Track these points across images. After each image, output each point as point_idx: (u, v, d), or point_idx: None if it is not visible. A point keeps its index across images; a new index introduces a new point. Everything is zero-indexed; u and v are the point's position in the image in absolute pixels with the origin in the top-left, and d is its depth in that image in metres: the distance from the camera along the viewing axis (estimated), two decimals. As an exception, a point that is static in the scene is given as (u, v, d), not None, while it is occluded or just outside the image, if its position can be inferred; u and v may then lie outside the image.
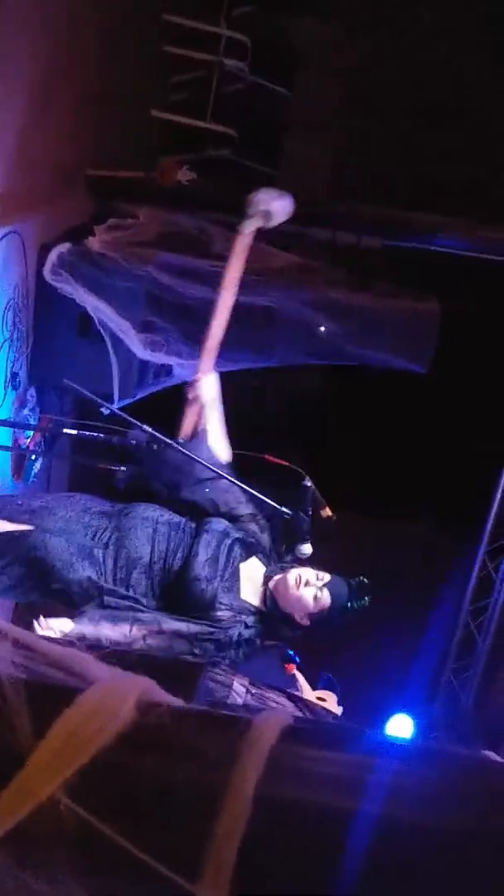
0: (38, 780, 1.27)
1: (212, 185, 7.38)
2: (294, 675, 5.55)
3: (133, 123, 7.70)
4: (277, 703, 4.25)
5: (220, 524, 4.23)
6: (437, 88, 7.63)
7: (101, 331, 6.14)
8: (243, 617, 3.93)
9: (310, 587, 4.08)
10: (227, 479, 4.31)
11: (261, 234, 7.01)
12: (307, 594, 4.07)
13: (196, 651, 3.79)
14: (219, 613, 3.87)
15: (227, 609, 3.90)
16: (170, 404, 6.34)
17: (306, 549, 4.20)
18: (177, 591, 3.94)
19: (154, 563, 4.00)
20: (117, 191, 7.16)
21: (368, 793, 1.31)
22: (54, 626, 3.67)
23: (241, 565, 4.15)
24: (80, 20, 6.19)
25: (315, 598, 4.07)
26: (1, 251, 5.74)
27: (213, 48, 7.64)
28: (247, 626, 3.92)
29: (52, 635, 3.61)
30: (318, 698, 5.42)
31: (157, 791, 1.29)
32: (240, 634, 3.86)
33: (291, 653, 4.87)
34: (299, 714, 4.18)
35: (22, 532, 4.03)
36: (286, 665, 5.57)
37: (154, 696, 1.38)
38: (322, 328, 6.37)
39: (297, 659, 4.93)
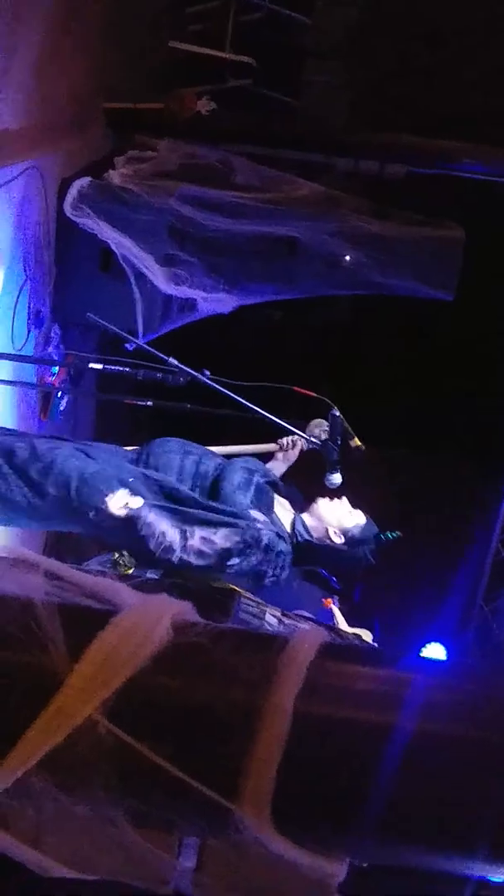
0: (75, 703, 1.26)
1: (232, 116, 7.27)
2: (331, 609, 5.56)
3: (151, 56, 7.58)
4: (310, 632, 4.26)
5: (247, 461, 4.23)
6: (458, 12, 7.45)
7: (124, 266, 6.07)
8: (275, 528, 3.92)
9: (343, 503, 4.13)
10: (255, 410, 4.28)
11: (283, 164, 6.95)
12: (341, 506, 4.11)
13: (232, 562, 3.75)
14: (253, 513, 3.85)
15: (260, 513, 3.90)
16: (194, 338, 6.32)
17: (336, 478, 4.19)
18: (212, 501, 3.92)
19: (186, 483, 4.00)
20: (136, 123, 7.05)
21: (404, 708, 1.30)
22: (127, 500, 3.66)
23: (272, 495, 4.16)
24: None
25: (349, 511, 4.11)
26: (20, 187, 5.67)
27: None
28: (279, 536, 3.90)
29: (121, 513, 3.62)
30: (354, 634, 5.44)
31: (195, 711, 1.29)
32: (270, 540, 3.83)
33: (334, 580, 4.86)
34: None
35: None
36: (324, 600, 5.56)
37: (189, 618, 1.37)
38: (347, 258, 6.29)
39: (339, 586, 4.92)
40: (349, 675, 1.35)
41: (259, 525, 3.89)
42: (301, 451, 4.51)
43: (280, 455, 4.53)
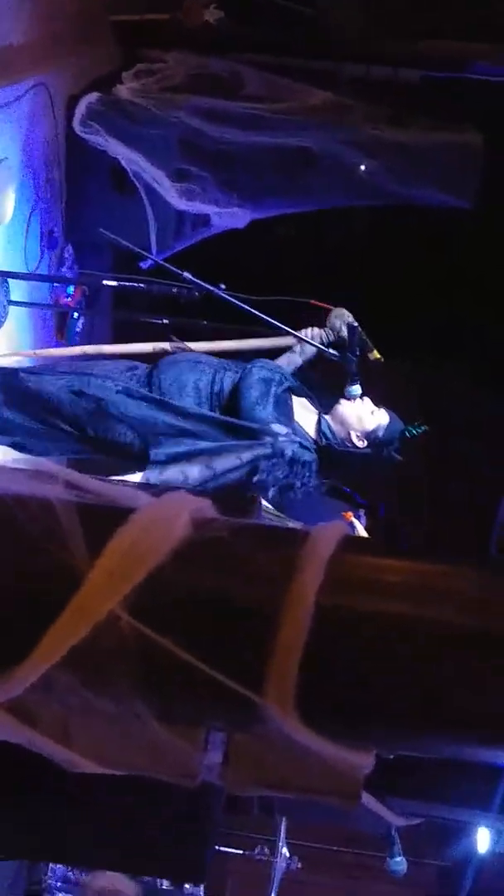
0: (96, 598, 1.26)
1: (242, 25, 7.11)
2: (352, 522, 5.55)
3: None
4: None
5: (262, 370, 4.16)
6: None
7: (136, 182, 6.00)
8: (298, 438, 3.92)
9: (365, 403, 4.10)
10: (270, 322, 4.25)
11: (295, 74, 6.80)
12: (363, 408, 4.09)
13: (256, 476, 3.77)
14: (275, 427, 3.84)
15: (282, 426, 3.88)
16: (208, 255, 6.25)
17: (355, 389, 4.16)
18: (231, 415, 3.91)
19: (203, 405, 3.98)
20: (144, 36, 6.92)
21: (427, 598, 1.29)
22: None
23: (294, 399, 4.14)
24: None
25: (371, 412, 4.09)
26: (28, 105, 5.58)
27: None
28: (302, 447, 3.90)
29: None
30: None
31: (217, 604, 1.28)
32: (294, 452, 3.83)
33: (358, 495, 4.84)
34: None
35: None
36: (344, 514, 5.55)
37: (208, 513, 1.36)
38: (362, 167, 6.18)
39: (363, 500, 4.91)
40: (371, 567, 1.34)
41: (282, 438, 3.88)
42: (322, 343, 4.37)
43: (297, 348, 4.44)
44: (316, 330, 4.34)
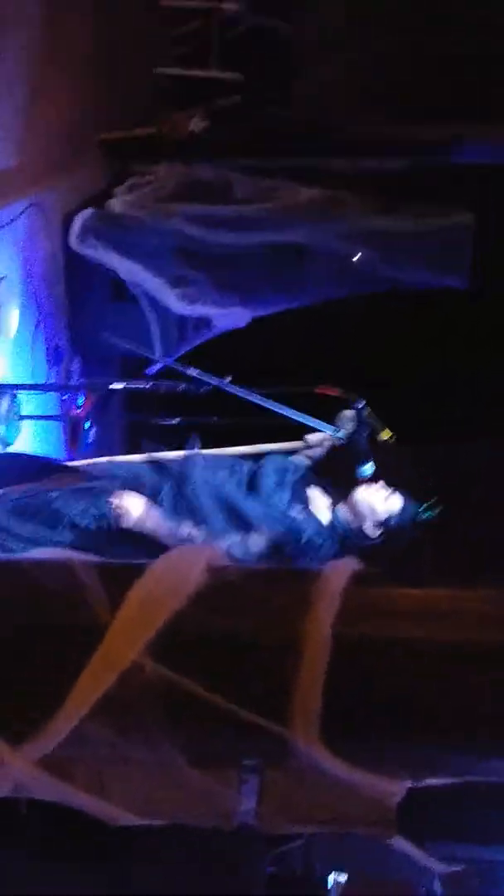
0: (119, 647, 1.30)
1: (226, 131, 7.32)
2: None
3: (139, 83, 7.64)
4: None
5: (275, 461, 4.23)
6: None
7: (135, 292, 6.14)
8: (314, 523, 3.95)
9: (378, 492, 4.10)
10: (280, 412, 4.32)
11: (283, 173, 6.98)
12: (375, 496, 4.09)
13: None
14: (293, 513, 3.89)
15: (299, 513, 3.92)
16: (208, 350, 6.38)
17: (367, 468, 4.18)
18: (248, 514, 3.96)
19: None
20: (133, 151, 7.12)
21: (443, 620, 1.33)
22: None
23: (307, 490, 4.18)
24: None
25: (385, 498, 4.09)
26: (24, 226, 5.75)
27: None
28: (319, 533, 3.92)
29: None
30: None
31: (237, 644, 1.32)
32: (310, 536, 3.86)
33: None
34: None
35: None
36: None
37: (222, 560, 1.40)
38: (356, 257, 6.31)
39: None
40: (386, 597, 1.38)
41: (299, 522, 3.94)
42: (332, 447, 4.48)
43: (308, 451, 4.53)
44: (324, 436, 4.43)
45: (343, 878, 2.93)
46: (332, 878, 3.07)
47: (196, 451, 4.43)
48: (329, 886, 2.99)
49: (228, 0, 7.51)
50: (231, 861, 1.72)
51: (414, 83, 7.33)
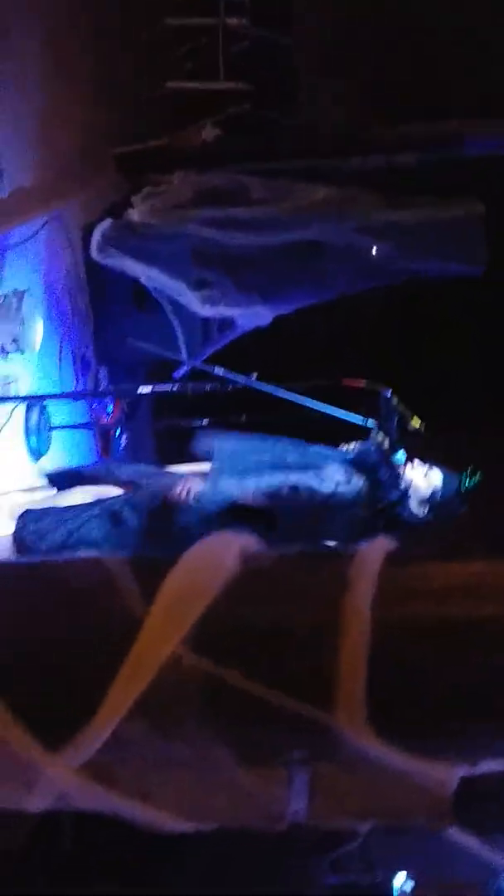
0: (156, 641, 1.27)
1: (237, 139, 7.34)
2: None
3: (152, 98, 7.70)
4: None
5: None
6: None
7: (158, 298, 6.14)
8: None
9: (416, 468, 4.09)
10: (310, 406, 4.30)
11: (294, 175, 6.98)
12: (415, 473, 4.07)
13: None
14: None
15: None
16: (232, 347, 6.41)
17: (399, 456, 4.16)
18: None
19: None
20: (147, 163, 7.14)
21: (487, 597, 1.29)
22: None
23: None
24: (79, 7, 6.24)
25: (424, 475, 4.07)
26: (44, 239, 5.77)
27: (212, 11, 7.66)
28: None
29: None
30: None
31: (276, 631, 1.29)
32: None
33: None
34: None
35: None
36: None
37: (255, 547, 1.37)
38: (373, 251, 6.28)
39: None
40: (421, 576, 1.34)
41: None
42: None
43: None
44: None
45: (410, 885, 2.85)
46: (397, 885, 3.02)
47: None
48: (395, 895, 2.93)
49: (232, 16, 7.59)
50: (292, 876, 1.68)
51: (414, 83, 7.33)
